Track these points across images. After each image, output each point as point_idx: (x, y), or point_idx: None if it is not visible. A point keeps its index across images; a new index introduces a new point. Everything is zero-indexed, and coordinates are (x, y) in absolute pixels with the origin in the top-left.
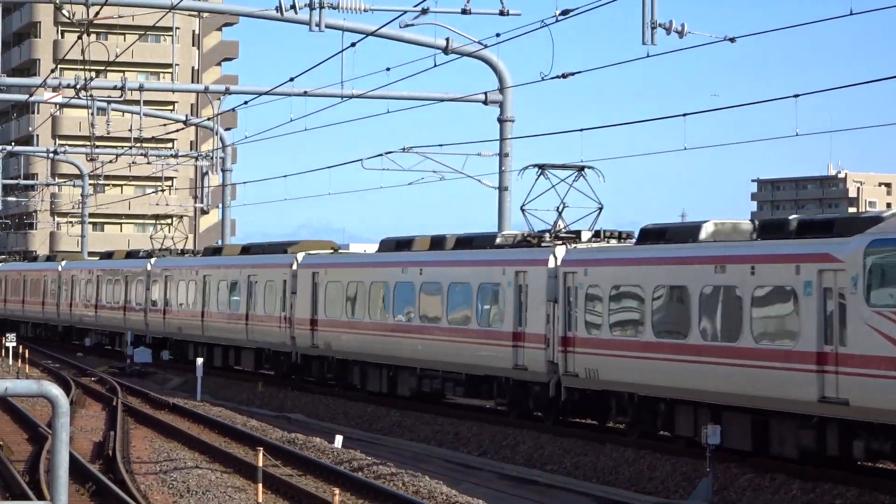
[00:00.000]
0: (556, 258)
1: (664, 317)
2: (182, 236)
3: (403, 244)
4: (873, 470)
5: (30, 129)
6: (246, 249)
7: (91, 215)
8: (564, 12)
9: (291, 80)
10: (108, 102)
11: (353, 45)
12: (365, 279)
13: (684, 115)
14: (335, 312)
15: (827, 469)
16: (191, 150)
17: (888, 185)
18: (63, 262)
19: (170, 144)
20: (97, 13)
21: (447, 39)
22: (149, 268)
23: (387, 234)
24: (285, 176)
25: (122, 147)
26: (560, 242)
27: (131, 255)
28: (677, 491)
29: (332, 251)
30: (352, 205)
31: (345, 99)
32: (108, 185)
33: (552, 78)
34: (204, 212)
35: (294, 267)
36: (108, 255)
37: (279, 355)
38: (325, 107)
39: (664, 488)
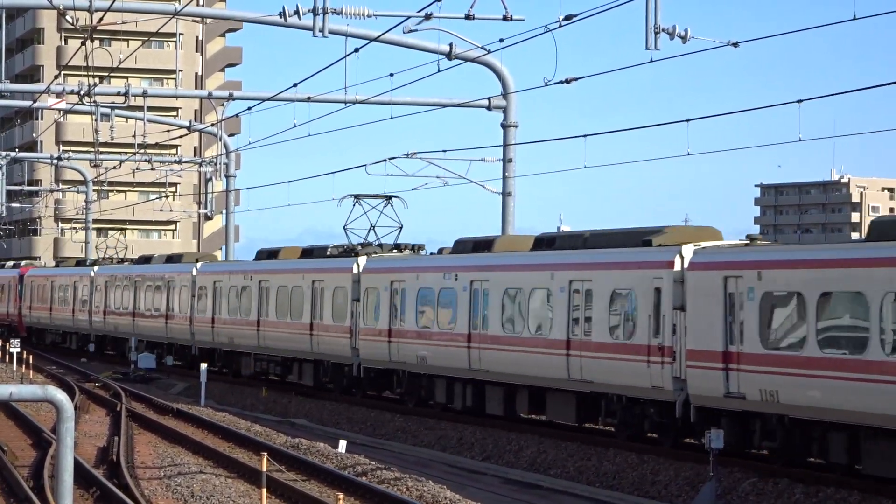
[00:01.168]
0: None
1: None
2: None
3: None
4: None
5: (33, 135)
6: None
7: (95, 221)
8: (568, 17)
9: (295, 85)
10: (112, 108)
11: (356, 50)
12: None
13: (688, 120)
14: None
15: (830, 473)
16: (194, 155)
17: (891, 189)
18: (95, 268)
19: (173, 150)
20: (100, 19)
21: (450, 45)
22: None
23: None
24: (289, 181)
25: (126, 153)
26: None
27: (172, 259)
28: (681, 495)
29: (398, 252)
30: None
31: (348, 104)
32: (112, 191)
33: (555, 83)
34: (208, 218)
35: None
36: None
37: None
38: (329, 112)
39: (668, 493)
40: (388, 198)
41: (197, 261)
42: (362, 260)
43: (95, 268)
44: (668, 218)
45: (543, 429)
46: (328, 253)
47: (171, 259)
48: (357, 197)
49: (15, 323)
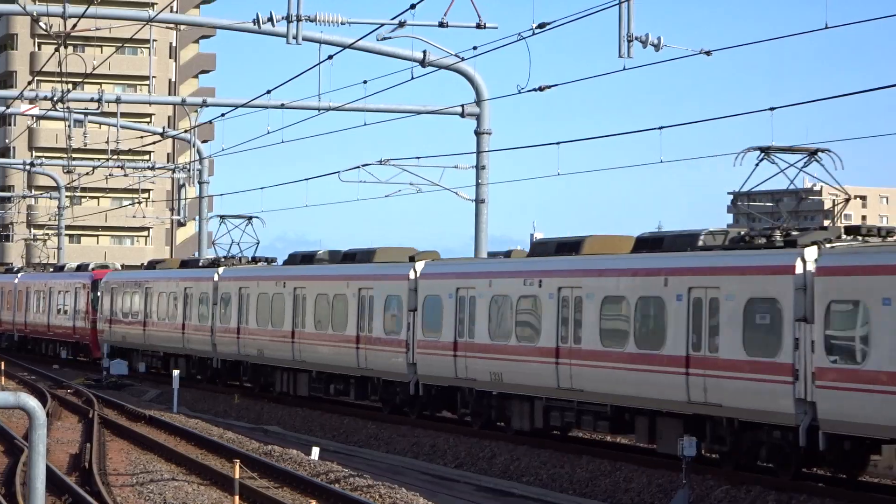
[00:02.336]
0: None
1: None
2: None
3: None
4: (847, 481)
5: (6, 140)
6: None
7: (68, 227)
8: (541, 25)
9: (268, 92)
10: (85, 114)
11: (330, 57)
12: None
13: (661, 127)
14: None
15: (802, 480)
16: (168, 162)
17: (863, 197)
18: (220, 270)
19: (147, 156)
20: (74, 25)
21: (424, 52)
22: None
23: (364, 245)
24: (262, 188)
25: (99, 159)
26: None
27: (188, 263)
28: (654, 503)
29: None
30: (328, 217)
31: (322, 111)
32: (85, 197)
33: (529, 91)
34: (181, 224)
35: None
36: (152, 265)
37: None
38: (303, 119)
39: (640, 500)
40: (813, 152)
41: (217, 265)
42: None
43: (220, 269)
44: (642, 225)
45: (516, 436)
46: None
47: (186, 264)
48: (765, 150)
49: (85, 341)
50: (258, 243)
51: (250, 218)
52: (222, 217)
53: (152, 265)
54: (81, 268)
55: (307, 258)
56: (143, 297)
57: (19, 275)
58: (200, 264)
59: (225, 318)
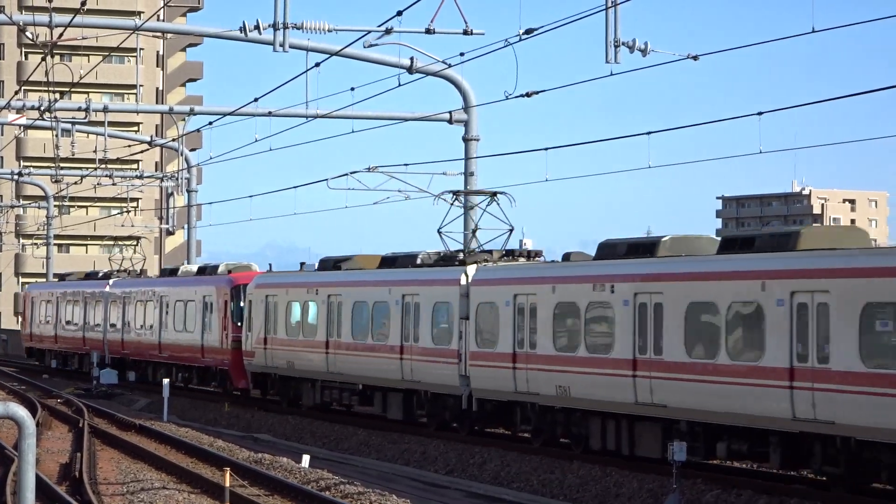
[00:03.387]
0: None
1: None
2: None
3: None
4: (840, 485)
5: None
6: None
7: (56, 237)
8: (528, 31)
9: (256, 100)
10: (73, 124)
11: (317, 65)
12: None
13: (648, 133)
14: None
15: (794, 484)
16: (156, 170)
17: (852, 201)
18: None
19: (135, 165)
20: (61, 35)
21: (411, 59)
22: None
23: (353, 253)
24: (251, 196)
25: (87, 168)
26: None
27: (206, 270)
28: None
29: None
30: (317, 225)
31: (309, 119)
32: (74, 206)
33: (516, 97)
34: (169, 233)
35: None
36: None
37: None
38: (290, 127)
39: None
40: (493, 194)
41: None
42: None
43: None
44: (631, 231)
45: (506, 442)
46: (419, 262)
47: (204, 271)
48: (456, 193)
49: (221, 366)
50: (511, 230)
51: (494, 194)
52: (456, 193)
53: (337, 265)
54: (207, 270)
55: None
56: (325, 308)
57: (110, 281)
58: (420, 262)
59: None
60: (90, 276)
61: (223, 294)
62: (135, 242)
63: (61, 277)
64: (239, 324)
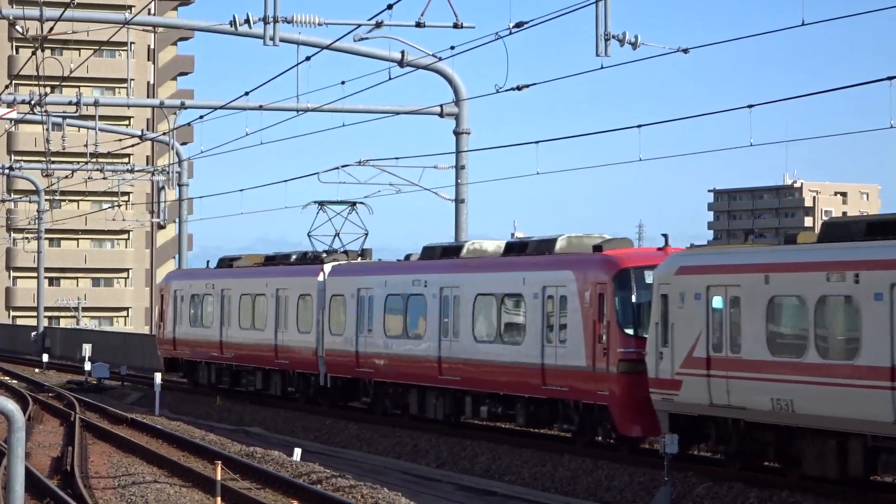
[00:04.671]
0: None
1: None
2: (361, 230)
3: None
4: (831, 479)
5: None
6: (518, 248)
7: (47, 231)
8: (518, 25)
9: (247, 94)
10: (64, 118)
11: (308, 58)
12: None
13: (639, 126)
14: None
15: (784, 477)
16: (147, 164)
17: (844, 194)
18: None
19: (126, 159)
20: (51, 28)
21: (402, 52)
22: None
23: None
24: (242, 190)
25: (78, 162)
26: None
27: (273, 260)
28: (636, 500)
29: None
30: (309, 218)
31: (300, 113)
32: (65, 200)
33: (507, 90)
34: (161, 227)
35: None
36: (228, 263)
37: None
38: (281, 121)
39: (622, 498)
40: (353, 203)
41: (320, 261)
42: (328, 266)
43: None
44: (623, 224)
45: (498, 435)
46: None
47: (524, 247)
48: (321, 203)
49: (593, 399)
50: (367, 234)
51: (354, 204)
52: (321, 203)
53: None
54: (535, 247)
55: (451, 251)
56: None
57: (327, 266)
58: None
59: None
60: (278, 259)
61: (593, 283)
62: (349, 206)
63: (225, 263)
64: (631, 331)
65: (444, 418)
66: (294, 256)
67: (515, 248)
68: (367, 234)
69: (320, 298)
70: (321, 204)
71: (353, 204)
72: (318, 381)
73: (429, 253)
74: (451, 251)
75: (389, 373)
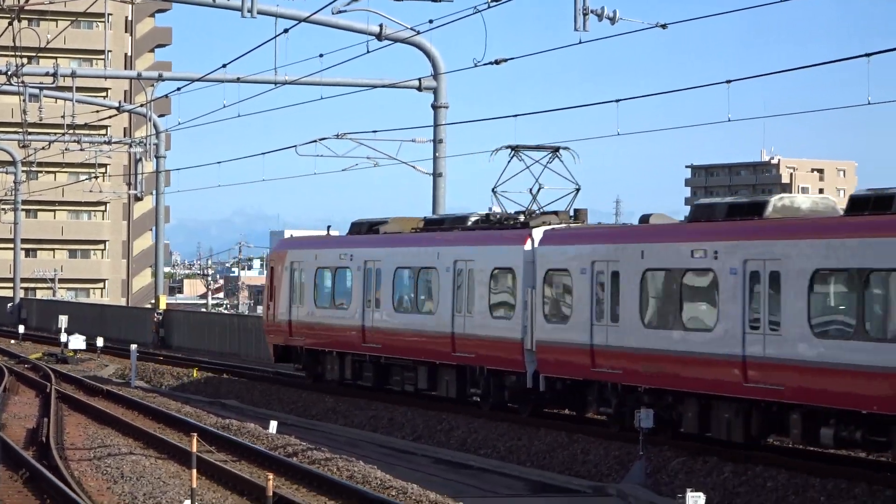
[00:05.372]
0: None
1: None
2: (572, 185)
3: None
4: (804, 452)
5: None
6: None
7: (24, 202)
8: None
9: (224, 66)
10: (41, 89)
11: (286, 31)
12: None
13: (617, 100)
14: None
15: (758, 451)
16: (124, 136)
17: (821, 170)
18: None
19: (103, 131)
20: None
21: (380, 26)
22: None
23: (323, 220)
24: (219, 162)
25: (55, 134)
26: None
27: (436, 224)
28: (611, 474)
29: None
30: (285, 192)
31: (278, 85)
32: (41, 171)
33: (485, 64)
34: (138, 198)
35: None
36: (369, 228)
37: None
38: (259, 93)
39: (598, 472)
40: (555, 149)
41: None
42: (537, 232)
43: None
44: (601, 199)
45: (474, 409)
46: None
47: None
48: (515, 148)
49: None
50: (578, 189)
51: (556, 149)
52: (515, 148)
53: None
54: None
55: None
56: None
57: (537, 231)
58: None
59: None
60: (448, 223)
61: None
62: (551, 152)
63: (363, 228)
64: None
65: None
66: (473, 219)
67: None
68: (578, 190)
69: (528, 274)
70: (515, 149)
71: (556, 150)
72: (523, 382)
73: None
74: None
75: (650, 376)
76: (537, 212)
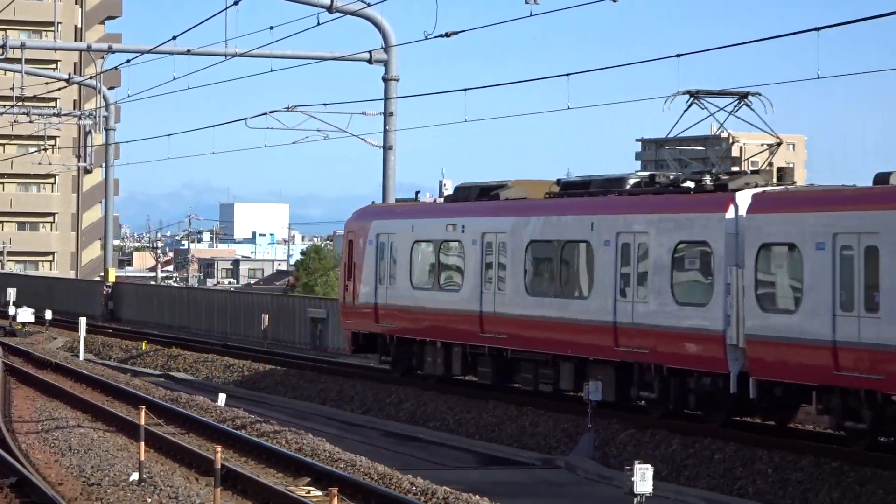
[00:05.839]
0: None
1: None
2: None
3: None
4: (751, 425)
5: None
6: None
7: None
8: None
9: (174, 38)
10: None
11: (236, 3)
12: None
13: (568, 74)
14: None
15: (705, 424)
16: (74, 108)
17: (770, 145)
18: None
19: (52, 103)
20: None
21: None
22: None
23: (273, 193)
24: (169, 135)
25: (4, 105)
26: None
27: (579, 188)
28: (559, 447)
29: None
30: (235, 165)
31: (228, 57)
32: None
33: (436, 37)
34: (87, 171)
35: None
36: (483, 193)
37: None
38: (209, 65)
39: (546, 444)
40: (744, 95)
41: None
42: (743, 196)
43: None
44: (551, 171)
45: (423, 381)
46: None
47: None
48: (694, 94)
49: None
50: (779, 143)
51: (745, 95)
52: (695, 94)
53: None
54: None
55: None
56: None
57: (743, 195)
58: None
59: None
60: (595, 186)
61: None
62: (738, 99)
63: (474, 193)
64: None
65: None
66: (632, 180)
67: None
68: (779, 143)
69: (731, 249)
70: (695, 94)
71: (745, 95)
72: (723, 385)
73: None
74: None
75: None
76: (713, 172)
